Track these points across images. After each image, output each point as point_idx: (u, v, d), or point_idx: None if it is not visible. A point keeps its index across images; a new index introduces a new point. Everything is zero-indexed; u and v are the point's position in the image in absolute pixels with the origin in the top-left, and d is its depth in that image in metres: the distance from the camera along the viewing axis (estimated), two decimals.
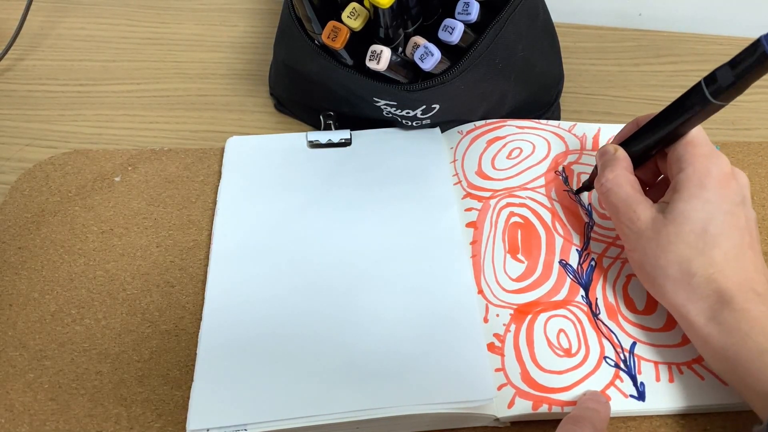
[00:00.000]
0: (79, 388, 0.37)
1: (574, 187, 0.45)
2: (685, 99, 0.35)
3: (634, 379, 0.37)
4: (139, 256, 0.43)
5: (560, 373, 0.37)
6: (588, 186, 0.44)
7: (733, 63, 0.32)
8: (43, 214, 0.45)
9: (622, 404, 0.36)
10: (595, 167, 0.41)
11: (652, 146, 0.38)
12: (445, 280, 0.40)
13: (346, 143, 0.49)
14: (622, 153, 0.38)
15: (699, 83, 0.34)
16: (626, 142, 0.39)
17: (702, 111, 0.34)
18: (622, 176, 0.37)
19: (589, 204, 0.45)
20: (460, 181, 0.46)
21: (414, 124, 0.48)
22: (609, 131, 0.49)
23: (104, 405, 0.37)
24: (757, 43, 0.31)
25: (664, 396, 0.36)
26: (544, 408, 0.35)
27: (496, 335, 0.38)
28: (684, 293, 0.34)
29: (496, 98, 0.48)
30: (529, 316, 0.39)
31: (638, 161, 0.39)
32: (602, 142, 0.48)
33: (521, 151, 0.47)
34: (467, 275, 0.41)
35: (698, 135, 0.36)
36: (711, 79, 0.33)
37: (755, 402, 0.32)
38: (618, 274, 0.41)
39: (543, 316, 0.39)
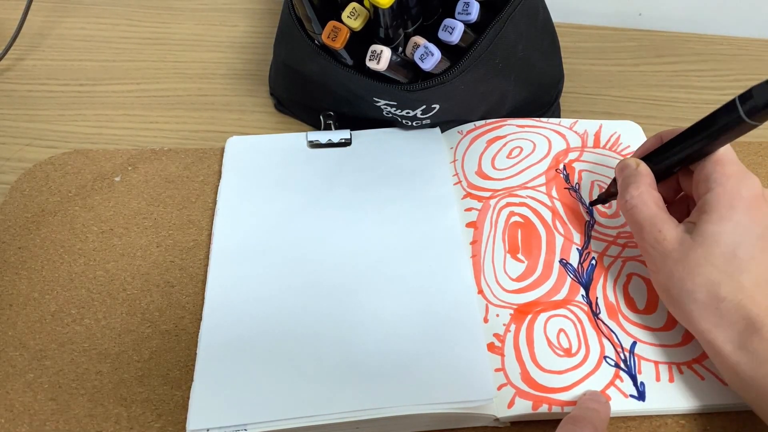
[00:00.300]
0: (79, 388, 0.37)
1: (575, 186, 0.45)
2: (716, 117, 0.33)
3: (634, 378, 0.37)
4: (139, 256, 0.43)
5: (560, 373, 0.37)
6: (604, 199, 0.42)
7: None
8: (43, 214, 0.45)
9: (622, 404, 0.36)
10: (613, 181, 0.40)
11: (676, 163, 0.37)
12: (445, 280, 0.40)
13: (346, 143, 0.49)
14: (644, 168, 0.37)
15: (733, 101, 0.32)
16: (648, 157, 0.38)
17: (734, 130, 0.33)
18: (647, 193, 0.36)
19: (590, 202, 0.44)
20: (460, 181, 0.46)
21: (414, 124, 0.48)
22: (610, 127, 0.49)
23: (104, 405, 0.37)
24: None
25: (664, 396, 0.36)
26: (544, 408, 0.35)
27: (496, 335, 0.38)
28: (712, 319, 0.33)
29: (496, 98, 0.48)
30: (529, 316, 0.39)
31: (659, 178, 0.38)
32: (603, 139, 0.48)
33: (521, 150, 0.47)
34: (467, 275, 0.41)
35: (727, 153, 0.35)
36: (746, 96, 0.31)
37: None
38: (618, 273, 0.41)
39: (543, 316, 0.39)
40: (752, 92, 0.31)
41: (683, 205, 0.38)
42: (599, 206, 0.44)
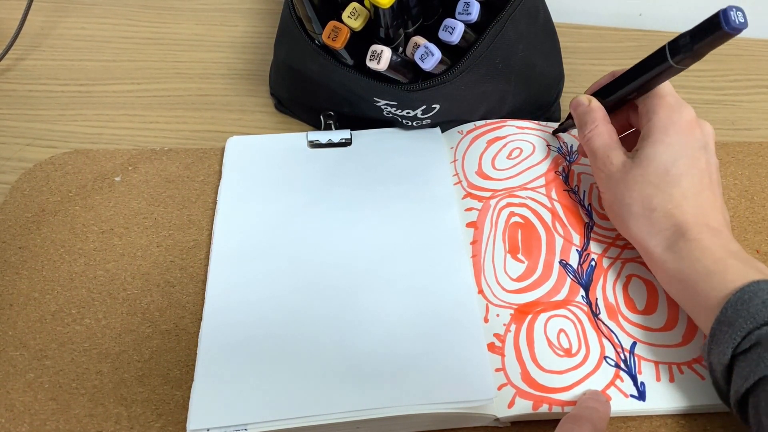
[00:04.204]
0: (80, 388, 0.37)
1: (574, 188, 0.45)
2: (650, 59, 0.38)
3: (634, 378, 0.37)
4: (140, 256, 0.43)
5: (560, 373, 0.37)
6: (563, 129, 0.47)
7: (693, 33, 0.35)
8: (44, 213, 0.45)
9: (622, 404, 0.36)
10: (569, 114, 0.44)
11: (623, 98, 0.41)
12: (446, 280, 0.40)
13: (347, 143, 0.49)
14: (596, 104, 0.42)
15: (663, 47, 0.37)
16: (600, 92, 0.42)
17: (664, 72, 0.37)
18: (602, 126, 0.41)
19: (589, 204, 0.45)
20: (460, 181, 0.46)
21: (414, 124, 0.48)
22: None
23: (104, 405, 0.37)
24: (716, 17, 0.33)
25: (665, 396, 0.36)
26: (544, 408, 0.35)
27: (496, 335, 0.38)
28: (646, 227, 0.37)
29: (497, 98, 0.48)
30: (530, 316, 0.39)
31: (609, 110, 0.42)
32: None
33: (521, 151, 0.47)
34: (467, 275, 0.41)
35: (665, 88, 0.39)
36: (673, 44, 0.36)
37: (702, 318, 0.35)
38: (618, 275, 0.41)
39: (543, 316, 0.39)
40: (678, 41, 0.36)
41: (634, 137, 0.42)
42: (598, 208, 0.44)
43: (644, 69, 0.38)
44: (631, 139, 0.43)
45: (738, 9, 0.33)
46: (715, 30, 0.33)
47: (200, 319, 0.39)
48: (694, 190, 0.37)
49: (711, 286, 0.34)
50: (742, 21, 0.33)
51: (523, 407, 0.35)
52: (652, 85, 0.39)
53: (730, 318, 0.32)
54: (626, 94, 0.41)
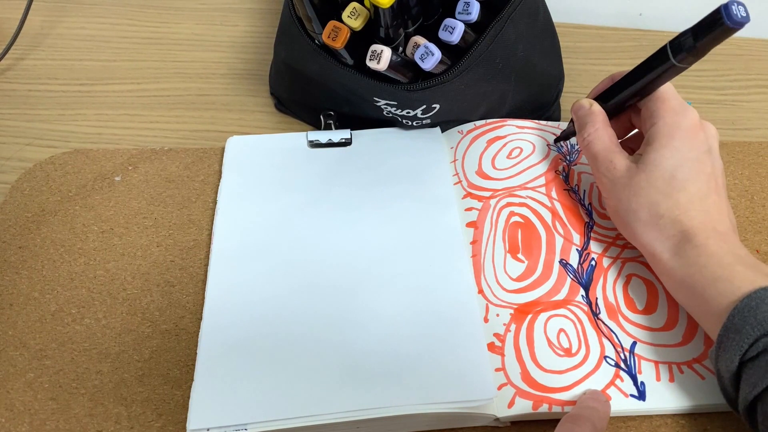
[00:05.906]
0: (80, 388, 0.37)
1: (574, 187, 0.45)
2: (652, 60, 0.37)
3: (634, 378, 0.37)
4: (140, 256, 0.43)
5: (560, 372, 0.37)
6: (565, 137, 0.46)
7: (695, 30, 0.34)
8: (44, 213, 0.45)
9: (622, 404, 0.36)
10: (571, 120, 0.43)
11: (624, 101, 0.41)
12: (446, 280, 0.40)
13: (347, 143, 0.49)
14: (597, 107, 0.41)
15: (665, 46, 0.36)
16: (601, 96, 0.42)
17: (666, 72, 0.37)
18: (602, 130, 0.40)
19: (590, 203, 0.45)
20: (460, 181, 0.46)
21: (414, 123, 0.48)
22: None
23: (104, 404, 0.37)
24: (717, 12, 0.33)
25: (665, 396, 0.36)
26: (544, 408, 0.35)
27: (496, 335, 0.38)
28: (653, 233, 0.37)
29: (496, 98, 0.48)
30: (530, 316, 0.39)
31: (612, 114, 0.42)
32: None
33: (521, 150, 0.47)
34: (467, 275, 0.41)
35: (668, 91, 0.39)
36: (675, 43, 0.36)
37: (709, 324, 0.35)
38: (618, 274, 0.41)
39: (543, 316, 0.39)
40: (680, 40, 0.35)
41: (636, 140, 0.42)
42: (598, 207, 0.44)
43: (646, 70, 0.38)
44: (634, 140, 0.43)
45: (739, 3, 0.32)
46: (717, 25, 0.33)
47: (200, 319, 0.39)
48: (701, 194, 0.36)
49: (718, 292, 0.33)
50: (744, 15, 0.32)
51: (523, 407, 0.35)
52: (655, 86, 0.38)
53: (737, 325, 0.31)
54: (628, 97, 0.40)
